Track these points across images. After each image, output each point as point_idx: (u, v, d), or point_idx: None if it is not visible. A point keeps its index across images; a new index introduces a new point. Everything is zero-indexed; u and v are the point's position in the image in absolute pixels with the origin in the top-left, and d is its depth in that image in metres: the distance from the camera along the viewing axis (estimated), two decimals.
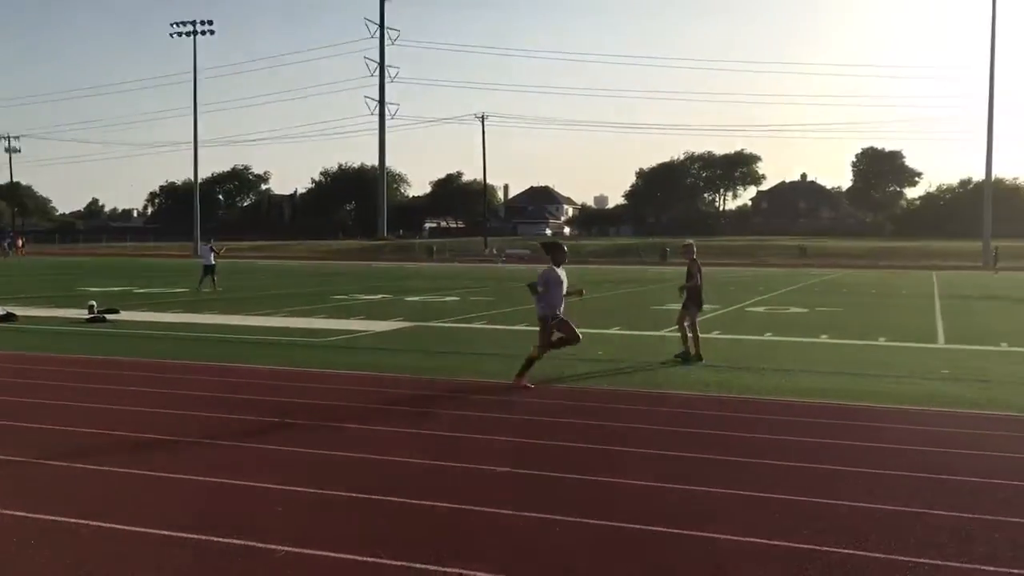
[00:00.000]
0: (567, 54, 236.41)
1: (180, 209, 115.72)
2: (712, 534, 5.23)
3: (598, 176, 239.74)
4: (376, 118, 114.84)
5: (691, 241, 14.01)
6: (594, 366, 12.41)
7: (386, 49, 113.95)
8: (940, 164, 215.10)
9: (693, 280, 12.96)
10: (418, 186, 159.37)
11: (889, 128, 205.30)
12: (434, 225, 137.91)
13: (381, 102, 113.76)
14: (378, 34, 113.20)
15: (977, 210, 68.42)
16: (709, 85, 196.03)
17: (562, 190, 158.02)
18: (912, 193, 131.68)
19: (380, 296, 27.19)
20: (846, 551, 4.97)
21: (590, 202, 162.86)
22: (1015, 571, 4.71)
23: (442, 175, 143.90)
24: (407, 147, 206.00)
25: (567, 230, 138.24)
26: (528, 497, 5.98)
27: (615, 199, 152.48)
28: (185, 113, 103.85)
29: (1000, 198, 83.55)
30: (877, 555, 4.93)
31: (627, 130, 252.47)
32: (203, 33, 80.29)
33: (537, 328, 10.64)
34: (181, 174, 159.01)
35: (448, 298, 26.27)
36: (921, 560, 4.85)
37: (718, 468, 6.82)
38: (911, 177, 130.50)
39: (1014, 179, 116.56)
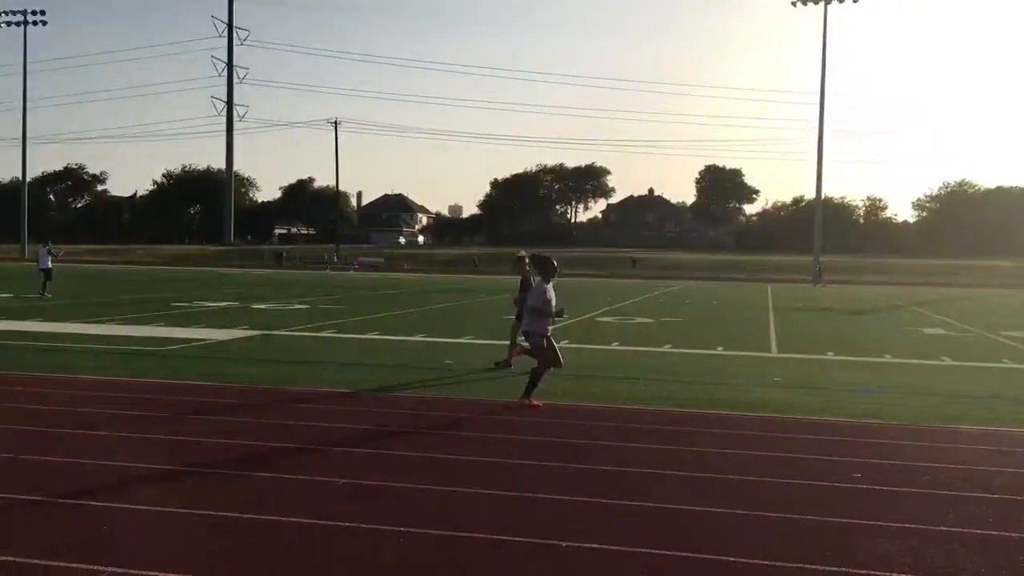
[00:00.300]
0: (423, 62, 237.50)
1: (5, 210, 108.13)
2: (552, 541, 5.28)
3: (453, 185, 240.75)
4: (223, 119, 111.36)
5: (523, 253, 14.12)
6: (443, 375, 12.37)
7: (235, 49, 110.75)
8: (776, 182, 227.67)
9: (526, 291, 13.10)
10: (268, 191, 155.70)
11: (731, 147, 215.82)
12: (284, 231, 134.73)
13: (229, 103, 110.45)
14: (226, 33, 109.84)
15: (809, 226, 72.72)
16: (563, 99, 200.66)
17: (417, 198, 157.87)
18: (751, 209, 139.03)
19: (225, 304, 26.26)
20: (679, 553, 5.11)
21: (445, 211, 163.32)
22: (845, 570, 4.96)
23: (293, 180, 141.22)
24: (257, 151, 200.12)
25: (420, 239, 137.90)
26: (344, 507, 5.87)
27: (470, 209, 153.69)
28: (14, 108, 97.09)
29: (829, 215, 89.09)
30: (709, 556, 5.09)
31: (481, 141, 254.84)
32: (34, 24, 75.55)
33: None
34: (7, 172, 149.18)
35: (297, 306, 25.65)
36: (753, 561, 5.04)
37: (549, 475, 6.91)
38: (750, 194, 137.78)
39: (842, 198, 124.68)
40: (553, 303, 9.92)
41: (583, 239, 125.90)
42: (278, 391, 10.62)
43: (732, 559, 5.08)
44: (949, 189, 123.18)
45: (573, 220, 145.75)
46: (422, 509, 5.96)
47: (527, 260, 13.49)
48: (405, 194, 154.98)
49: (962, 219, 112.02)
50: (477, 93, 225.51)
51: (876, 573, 4.92)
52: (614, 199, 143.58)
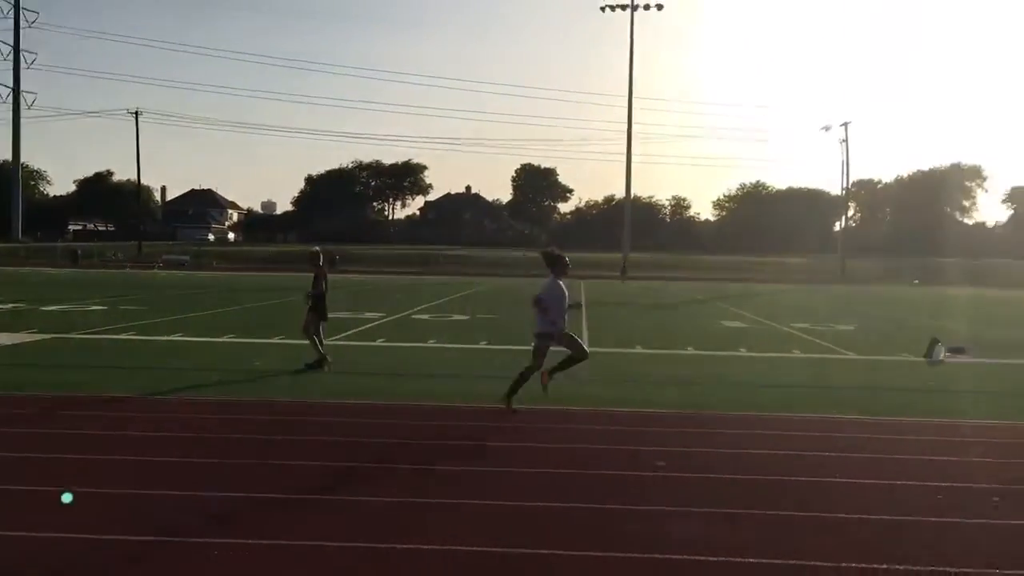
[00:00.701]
0: (231, 53, 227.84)
1: None
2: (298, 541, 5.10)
3: (266, 181, 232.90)
4: (9, 107, 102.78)
5: (317, 248, 13.84)
6: (250, 375, 11.87)
7: (22, 32, 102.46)
8: (590, 182, 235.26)
9: (318, 288, 12.89)
10: (61, 184, 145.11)
11: (546, 146, 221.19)
12: (80, 227, 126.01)
13: (16, 90, 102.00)
14: (12, 14, 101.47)
15: (620, 224, 75.37)
16: (381, 95, 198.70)
17: (227, 194, 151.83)
18: (565, 208, 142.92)
19: (11, 305, 24.18)
20: (485, 549, 5.06)
21: (257, 207, 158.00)
22: (658, 556, 5.06)
23: (90, 173, 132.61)
24: (48, 142, 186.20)
25: (231, 235, 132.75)
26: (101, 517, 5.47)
27: (284, 205, 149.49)
28: None
29: (638, 214, 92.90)
30: (522, 550, 5.07)
31: (295, 135, 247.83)
32: None
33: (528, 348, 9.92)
34: None
35: (93, 307, 23.96)
36: (566, 552, 5.05)
37: (320, 475, 6.73)
38: (564, 193, 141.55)
39: (650, 197, 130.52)
40: (566, 299, 9.57)
41: (401, 236, 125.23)
42: (59, 398, 9.81)
43: (548, 552, 5.09)
44: (745, 190, 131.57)
45: (391, 217, 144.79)
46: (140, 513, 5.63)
47: (320, 256, 13.26)
48: (214, 189, 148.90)
49: (758, 218, 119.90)
50: (290, 87, 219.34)
51: (683, 557, 5.05)
52: (432, 196, 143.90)
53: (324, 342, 12.95)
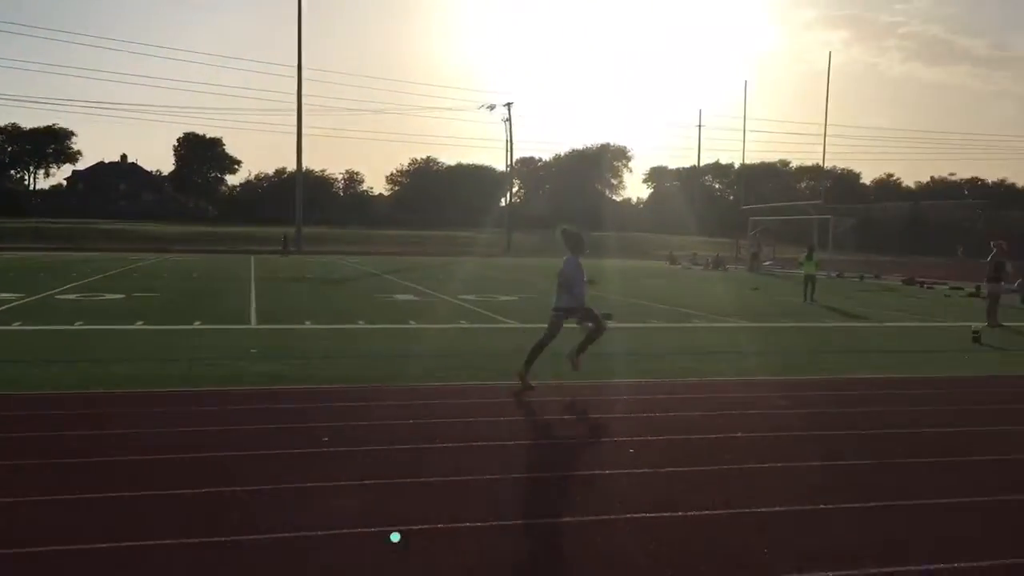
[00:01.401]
0: None
1: None
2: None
3: None
4: None
5: None
6: None
7: None
8: (259, 153, 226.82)
9: None
10: None
11: (211, 115, 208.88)
12: None
13: None
14: None
15: (292, 197, 73.60)
16: (17, 52, 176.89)
17: None
18: (233, 180, 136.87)
19: None
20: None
21: None
22: (307, 534, 4.93)
23: None
24: None
25: None
26: None
27: None
28: None
29: (311, 187, 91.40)
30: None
31: None
32: None
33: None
34: None
35: None
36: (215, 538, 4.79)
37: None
38: (232, 165, 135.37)
39: (322, 170, 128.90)
40: (585, 275, 9.75)
41: (44, 208, 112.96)
42: None
43: (155, 542, 4.79)
44: (417, 165, 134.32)
45: (32, 187, 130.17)
46: None
47: None
48: None
49: (429, 194, 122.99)
50: None
51: (337, 531, 5.00)
52: (81, 165, 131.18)
53: None
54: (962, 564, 4.78)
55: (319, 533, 5.02)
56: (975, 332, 15.72)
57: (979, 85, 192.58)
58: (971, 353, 14.24)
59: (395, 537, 4.97)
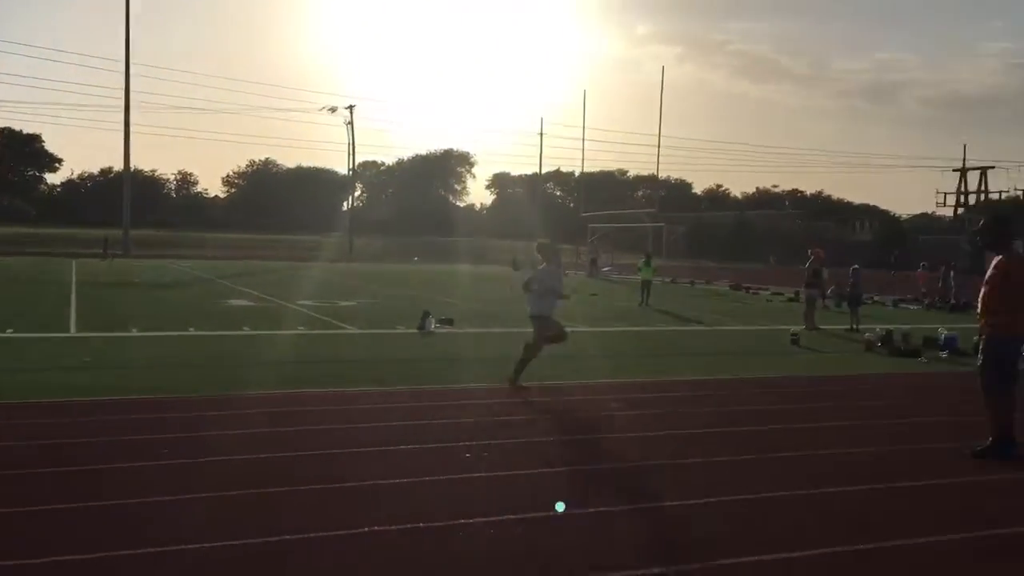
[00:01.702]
0: None
1: None
2: None
3: None
4: None
5: None
6: None
7: None
8: (83, 152, 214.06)
9: None
10: None
11: (28, 109, 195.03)
12: None
13: None
14: None
15: (119, 198, 69.80)
16: None
17: None
18: (54, 179, 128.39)
19: None
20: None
21: None
22: (135, 552, 4.66)
23: None
24: None
25: None
26: None
27: None
28: None
29: (140, 188, 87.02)
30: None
31: None
32: None
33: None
34: None
35: None
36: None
37: None
38: (52, 163, 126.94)
39: (153, 171, 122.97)
40: (560, 283, 10.70)
41: None
42: None
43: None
44: (255, 167, 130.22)
45: None
46: None
47: None
48: None
49: (268, 196, 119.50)
50: None
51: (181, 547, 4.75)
52: None
53: None
54: (768, 556, 5.03)
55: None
56: (794, 335, 16.73)
57: (799, 102, 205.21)
58: (790, 355, 15.11)
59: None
